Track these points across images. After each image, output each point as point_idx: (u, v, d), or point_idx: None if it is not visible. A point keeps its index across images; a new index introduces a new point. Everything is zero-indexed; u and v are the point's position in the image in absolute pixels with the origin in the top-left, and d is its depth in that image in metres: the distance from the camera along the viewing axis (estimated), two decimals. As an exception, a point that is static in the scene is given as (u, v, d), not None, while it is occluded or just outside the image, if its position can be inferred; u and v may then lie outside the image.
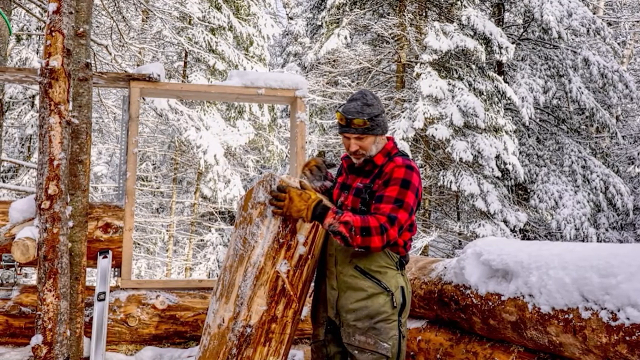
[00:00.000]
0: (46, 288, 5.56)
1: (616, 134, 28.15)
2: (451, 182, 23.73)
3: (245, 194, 4.75)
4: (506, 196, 25.22)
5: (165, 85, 7.54)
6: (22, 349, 6.59)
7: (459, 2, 25.98)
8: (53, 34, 5.69)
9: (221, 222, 31.10)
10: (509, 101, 25.04)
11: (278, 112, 31.96)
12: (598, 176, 26.28)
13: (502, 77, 26.80)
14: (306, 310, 6.31)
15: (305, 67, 29.65)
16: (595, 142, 29.53)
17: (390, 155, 4.64)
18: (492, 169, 23.36)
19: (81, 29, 6.21)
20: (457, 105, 23.13)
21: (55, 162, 5.62)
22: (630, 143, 31.10)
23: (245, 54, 29.46)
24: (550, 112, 29.72)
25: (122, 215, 7.02)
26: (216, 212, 30.86)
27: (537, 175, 26.89)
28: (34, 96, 25.78)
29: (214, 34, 28.36)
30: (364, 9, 28.03)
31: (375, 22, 27.64)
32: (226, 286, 4.60)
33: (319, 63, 28.67)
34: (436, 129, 23.02)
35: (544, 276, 4.19)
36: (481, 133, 23.64)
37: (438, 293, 5.70)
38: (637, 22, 33.30)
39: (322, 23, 29.21)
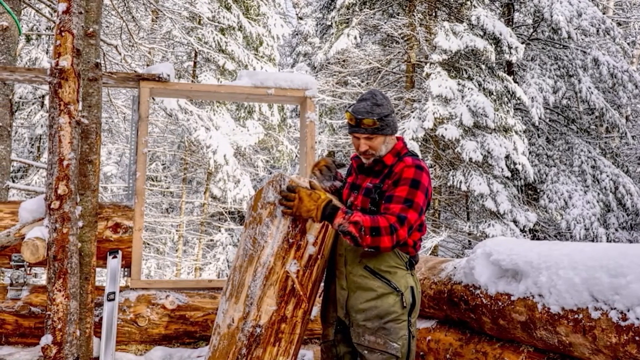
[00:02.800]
0: (56, 288, 5.56)
1: (626, 134, 28.13)
2: (461, 182, 23.69)
3: (254, 194, 4.76)
4: (516, 196, 25.17)
5: (174, 85, 7.54)
6: (31, 349, 6.60)
7: (468, 2, 25.94)
8: (63, 34, 5.70)
9: (231, 222, 31.10)
10: (518, 101, 25.01)
11: (288, 112, 31.99)
12: (608, 176, 26.22)
13: (512, 77, 26.77)
14: (316, 310, 6.30)
15: (315, 67, 29.64)
16: (605, 142, 29.46)
17: (400, 155, 4.64)
18: (502, 169, 23.34)
19: (91, 29, 6.22)
20: (467, 105, 23.10)
21: (65, 162, 5.62)
22: (640, 143, 31.08)
23: (255, 54, 29.49)
24: (560, 112, 29.68)
25: (132, 215, 7.03)
26: (226, 212, 30.86)
27: (546, 175, 26.85)
28: (43, 96, 25.83)
29: (223, 34, 28.39)
30: (374, 9, 28.02)
31: (385, 22, 27.65)
32: (236, 286, 4.61)
33: (328, 63, 28.67)
34: (446, 129, 22.98)
35: (553, 276, 4.19)
36: (491, 133, 23.61)
37: (448, 293, 5.70)
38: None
39: (331, 23, 29.23)
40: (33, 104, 27.00)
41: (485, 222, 23.97)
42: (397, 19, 27.33)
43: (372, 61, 27.66)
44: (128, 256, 6.98)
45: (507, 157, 23.74)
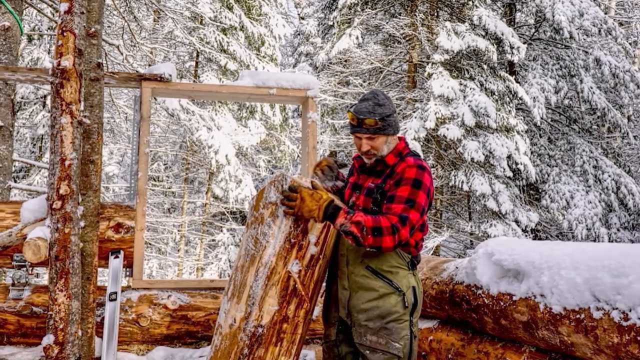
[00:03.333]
0: (58, 288, 5.56)
1: (628, 134, 28.11)
2: (463, 182, 23.68)
3: (256, 194, 4.76)
4: (518, 196, 25.16)
5: (176, 85, 7.54)
6: (33, 349, 6.60)
7: (470, 2, 25.91)
8: (64, 34, 5.69)
9: (232, 222, 31.05)
10: (520, 101, 25.02)
11: (289, 112, 31.94)
12: (609, 176, 26.21)
13: (514, 77, 26.75)
14: (318, 310, 6.30)
15: (317, 67, 29.63)
16: (607, 142, 29.44)
17: (402, 155, 4.64)
18: (504, 169, 23.32)
19: (93, 29, 6.21)
20: (469, 105, 23.09)
21: (67, 162, 5.62)
22: (642, 143, 31.05)
23: (257, 54, 29.46)
24: (561, 112, 29.68)
25: (134, 215, 7.02)
26: (228, 212, 30.82)
27: (548, 175, 26.84)
28: (45, 96, 25.82)
29: (225, 34, 28.37)
30: (376, 9, 27.99)
31: (387, 22, 27.64)
32: (238, 286, 4.61)
33: (330, 63, 28.66)
34: (448, 129, 22.98)
35: (555, 276, 4.18)
36: (493, 133, 23.60)
37: (449, 293, 5.69)
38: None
39: (333, 23, 29.23)
40: (35, 104, 27.00)
41: (487, 222, 23.97)
42: (399, 19, 27.32)
43: (374, 61, 27.66)
44: (130, 256, 6.97)
45: (509, 157, 23.74)
